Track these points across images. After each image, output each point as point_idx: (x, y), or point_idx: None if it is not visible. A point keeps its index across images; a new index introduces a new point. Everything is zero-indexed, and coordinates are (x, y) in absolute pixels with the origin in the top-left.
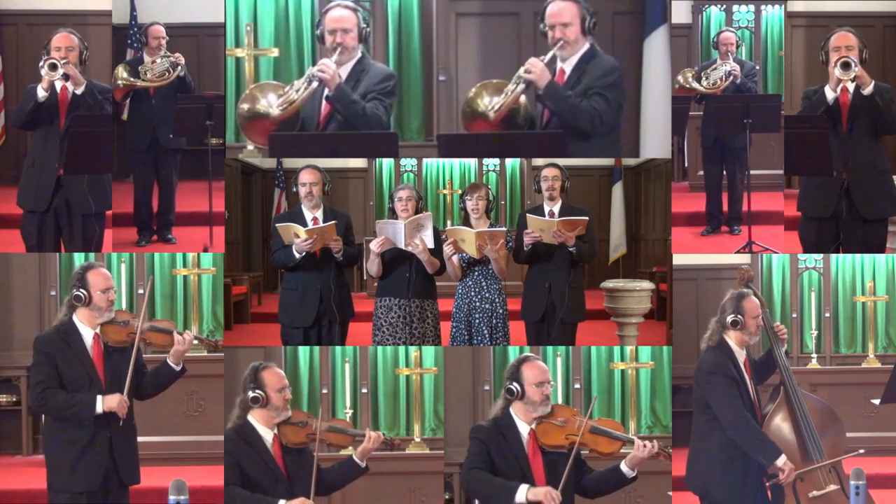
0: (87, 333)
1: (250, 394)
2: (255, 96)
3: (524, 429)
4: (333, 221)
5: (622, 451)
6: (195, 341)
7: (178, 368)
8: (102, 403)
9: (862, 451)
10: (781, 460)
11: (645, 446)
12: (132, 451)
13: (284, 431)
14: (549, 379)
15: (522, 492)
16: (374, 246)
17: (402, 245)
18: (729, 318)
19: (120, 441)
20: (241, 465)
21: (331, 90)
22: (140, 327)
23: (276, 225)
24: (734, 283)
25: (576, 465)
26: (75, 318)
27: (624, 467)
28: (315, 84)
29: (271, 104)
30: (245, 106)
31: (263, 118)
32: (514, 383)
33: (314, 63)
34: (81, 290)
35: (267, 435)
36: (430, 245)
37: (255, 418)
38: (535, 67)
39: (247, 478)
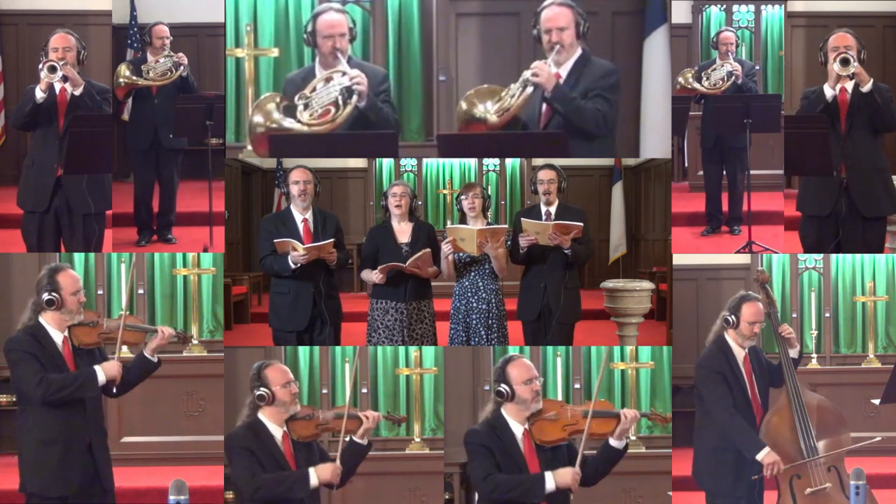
0: (57, 336)
1: (256, 392)
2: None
3: (518, 430)
4: (332, 240)
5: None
6: (173, 337)
7: (155, 360)
8: (103, 374)
9: (878, 437)
10: (763, 454)
11: (626, 416)
12: (108, 454)
13: (294, 427)
14: (536, 375)
15: (551, 480)
16: (377, 279)
17: (404, 271)
18: (724, 315)
19: (98, 444)
20: (258, 459)
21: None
22: (122, 326)
23: (275, 241)
24: (735, 283)
25: (569, 457)
26: (42, 321)
27: (613, 441)
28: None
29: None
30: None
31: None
32: (503, 385)
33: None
34: (53, 293)
35: (277, 433)
36: (430, 266)
37: (266, 416)
38: (541, 71)
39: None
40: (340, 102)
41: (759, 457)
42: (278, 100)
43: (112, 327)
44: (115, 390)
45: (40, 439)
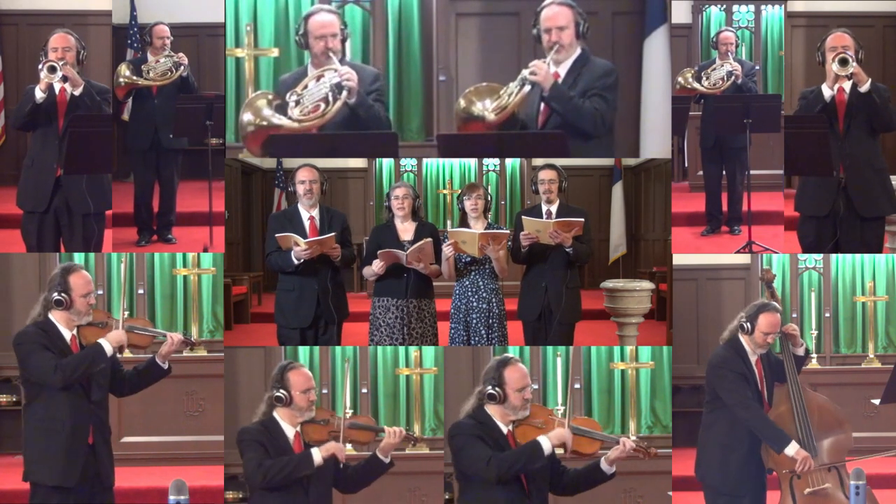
0: (66, 334)
1: (275, 393)
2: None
3: (503, 429)
4: (333, 234)
5: (601, 450)
6: (182, 343)
7: (165, 366)
8: (109, 344)
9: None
10: (792, 449)
11: (625, 445)
12: (110, 451)
13: (307, 430)
14: (529, 382)
15: (546, 441)
16: (377, 268)
17: (404, 263)
18: (741, 319)
19: (101, 441)
20: (268, 452)
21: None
22: (122, 328)
23: (276, 235)
24: (735, 283)
25: (551, 465)
26: (52, 318)
27: (604, 465)
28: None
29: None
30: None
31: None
32: (497, 388)
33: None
34: (63, 293)
35: (289, 432)
36: (431, 261)
37: (280, 416)
38: (539, 70)
39: None
40: (331, 98)
41: (788, 451)
42: (270, 97)
43: (122, 329)
44: (123, 392)
45: (46, 428)
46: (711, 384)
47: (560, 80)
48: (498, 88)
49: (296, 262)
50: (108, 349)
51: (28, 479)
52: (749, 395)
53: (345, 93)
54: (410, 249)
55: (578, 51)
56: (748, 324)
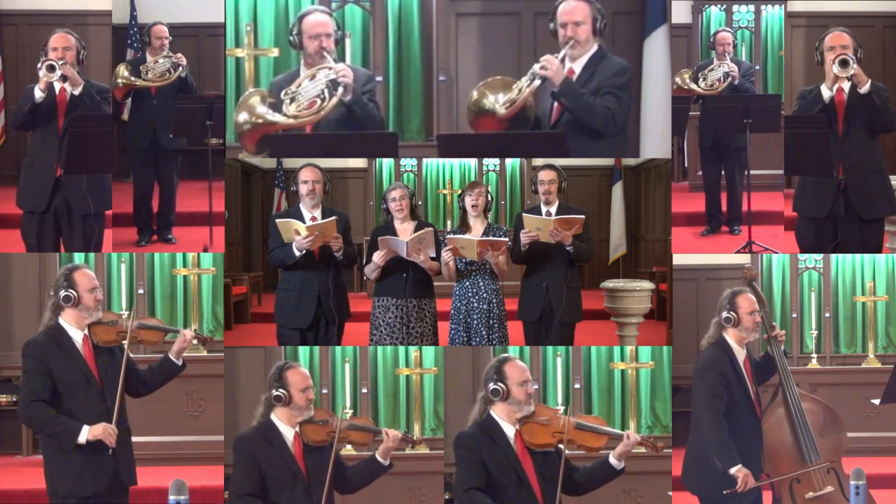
0: (77, 335)
1: (273, 392)
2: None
3: (510, 430)
4: (334, 217)
5: (608, 445)
6: (194, 340)
7: (179, 363)
8: (88, 433)
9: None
10: (735, 468)
11: (629, 437)
12: (131, 453)
13: (305, 430)
14: (530, 377)
15: None
16: (377, 258)
17: (404, 255)
18: (723, 316)
19: (120, 443)
20: (260, 466)
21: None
22: (130, 326)
23: (277, 221)
24: (735, 283)
25: (565, 464)
26: (62, 321)
27: (613, 460)
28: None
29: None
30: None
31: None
32: (500, 383)
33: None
34: (70, 290)
35: (288, 433)
36: (432, 255)
37: (278, 417)
38: (550, 64)
39: (265, 477)
40: (326, 94)
41: (731, 471)
42: (264, 94)
43: (132, 327)
44: (139, 392)
45: (61, 448)
46: (695, 386)
47: (575, 77)
48: (511, 82)
49: (297, 253)
50: (82, 438)
51: (54, 492)
52: (717, 399)
53: (341, 89)
54: (411, 238)
55: (595, 47)
56: (732, 314)
